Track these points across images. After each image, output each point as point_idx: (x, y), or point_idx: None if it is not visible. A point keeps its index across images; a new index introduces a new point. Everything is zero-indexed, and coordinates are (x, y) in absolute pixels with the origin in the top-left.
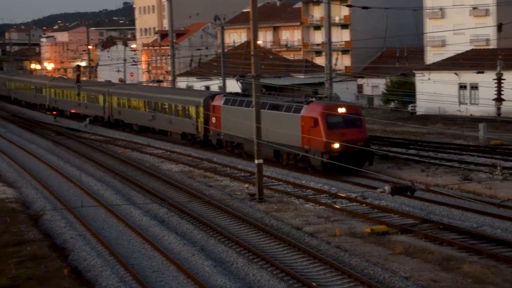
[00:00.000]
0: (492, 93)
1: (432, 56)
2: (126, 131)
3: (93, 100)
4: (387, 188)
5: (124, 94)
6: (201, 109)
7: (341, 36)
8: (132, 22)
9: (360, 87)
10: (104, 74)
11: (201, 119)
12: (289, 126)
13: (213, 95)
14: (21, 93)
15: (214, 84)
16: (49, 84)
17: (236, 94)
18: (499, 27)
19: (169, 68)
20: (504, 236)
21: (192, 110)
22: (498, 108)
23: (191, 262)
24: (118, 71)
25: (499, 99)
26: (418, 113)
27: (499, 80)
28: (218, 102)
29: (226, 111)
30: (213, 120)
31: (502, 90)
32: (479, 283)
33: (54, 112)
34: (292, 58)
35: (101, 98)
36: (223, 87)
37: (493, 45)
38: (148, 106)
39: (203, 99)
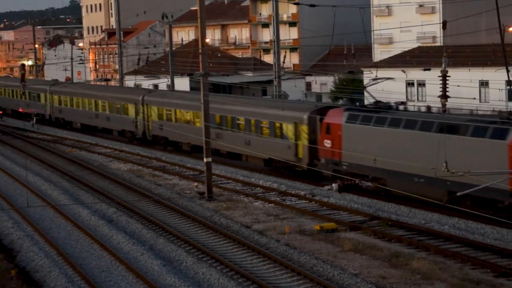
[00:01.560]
0: (439, 90)
1: (379, 53)
2: (168, 150)
3: (119, 111)
4: (334, 185)
5: (168, 104)
6: (304, 128)
7: (289, 34)
8: (79, 20)
9: (308, 84)
10: (51, 73)
11: (304, 142)
12: (479, 158)
13: (323, 109)
14: (8, 100)
15: (162, 83)
16: (51, 89)
17: (366, 108)
18: (444, 24)
19: (117, 67)
20: (452, 232)
21: (289, 129)
22: (444, 105)
23: (140, 262)
24: (65, 70)
25: (444, 96)
26: None
27: (444, 77)
28: (336, 118)
29: (352, 132)
30: (327, 143)
31: (447, 87)
32: (427, 279)
33: (0, 112)
34: (240, 56)
35: (131, 108)
36: (171, 85)
37: (439, 42)
38: (210, 120)
39: (308, 114)
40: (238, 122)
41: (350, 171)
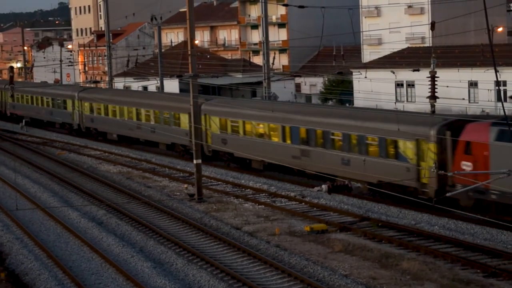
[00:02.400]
0: (428, 91)
1: (368, 54)
2: (233, 169)
3: (167, 122)
4: (324, 186)
5: (234, 114)
6: (430, 146)
7: (278, 35)
8: (68, 22)
9: (298, 86)
10: (40, 75)
11: (429, 163)
12: None
13: (455, 122)
14: (26, 107)
15: (152, 84)
16: (80, 95)
17: None
18: (432, 25)
19: (106, 69)
20: (442, 233)
21: (408, 147)
22: (433, 106)
23: (130, 264)
24: (54, 72)
25: (433, 97)
26: None
27: (432, 78)
28: (480, 135)
29: (506, 153)
30: (465, 166)
31: (436, 88)
32: (417, 279)
33: None
34: (229, 58)
35: (184, 118)
36: (161, 87)
37: (428, 43)
38: (293, 135)
39: (436, 129)
40: (332, 137)
41: (502, 201)
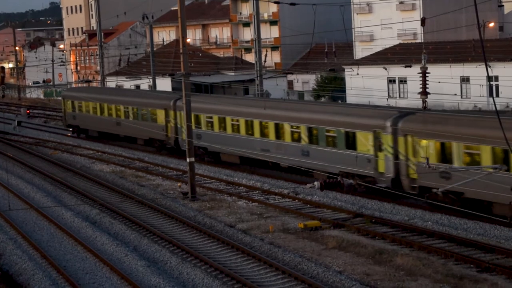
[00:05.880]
0: (419, 87)
1: (360, 51)
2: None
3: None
4: (316, 183)
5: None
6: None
7: (270, 33)
8: (59, 22)
9: (290, 83)
10: (32, 75)
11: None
12: None
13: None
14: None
15: (144, 83)
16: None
17: None
18: (423, 21)
19: (98, 68)
20: (435, 228)
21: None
22: (424, 102)
23: (125, 263)
24: (46, 71)
25: (424, 93)
26: None
27: (423, 73)
28: None
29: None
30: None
31: (428, 84)
32: (411, 275)
33: None
34: (221, 56)
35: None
36: (153, 86)
37: (420, 39)
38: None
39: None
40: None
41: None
